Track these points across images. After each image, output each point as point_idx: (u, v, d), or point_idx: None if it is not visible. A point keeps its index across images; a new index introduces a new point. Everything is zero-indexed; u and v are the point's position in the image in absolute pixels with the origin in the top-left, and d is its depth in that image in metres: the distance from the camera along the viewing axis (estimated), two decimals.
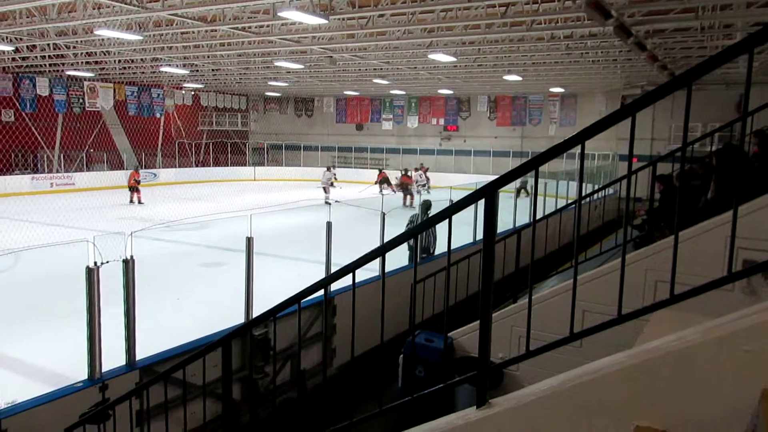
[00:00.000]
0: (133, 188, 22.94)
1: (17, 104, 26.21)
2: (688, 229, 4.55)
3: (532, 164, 2.33)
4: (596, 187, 14.89)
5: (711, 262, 3.31)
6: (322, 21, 12.40)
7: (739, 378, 1.80)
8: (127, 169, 30.61)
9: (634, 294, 4.20)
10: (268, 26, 15.06)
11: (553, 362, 2.79)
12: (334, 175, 25.50)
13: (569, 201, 13.20)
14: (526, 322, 2.45)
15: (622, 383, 1.97)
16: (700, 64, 1.97)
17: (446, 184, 16.98)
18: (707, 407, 1.86)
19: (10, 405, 4.48)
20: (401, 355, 6.25)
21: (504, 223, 10.58)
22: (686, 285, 2.12)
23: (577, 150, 2.28)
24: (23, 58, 21.18)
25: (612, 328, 2.20)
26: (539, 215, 10.40)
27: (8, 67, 23.90)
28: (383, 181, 26.93)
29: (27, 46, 18.40)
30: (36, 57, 20.66)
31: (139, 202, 22.65)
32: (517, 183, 18.18)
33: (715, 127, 9.65)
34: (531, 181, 17.28)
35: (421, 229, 2.56)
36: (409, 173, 25.36)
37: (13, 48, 18.05)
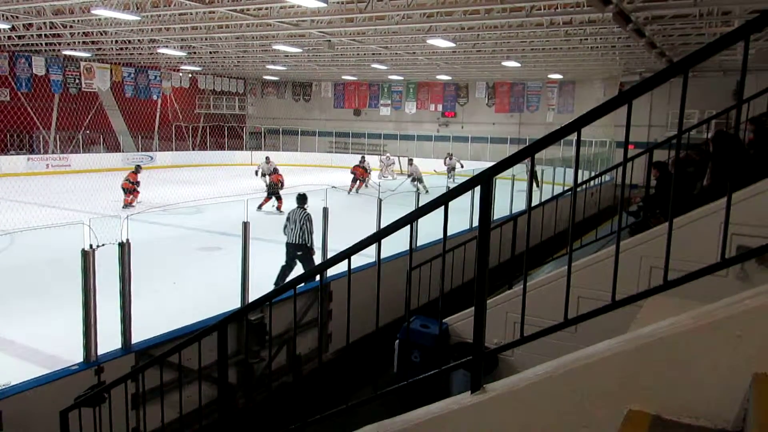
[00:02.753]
0: (130, 190, 18.64)
1: (13, 83, 25.99)
2: (683, 215, 4.57)
3: (529, 151, 2.34)
4: (593, 173, 14.92)
5: (705, 248, 3.33)
6: (321, 4, 12.31)
7: (732, 362, 1.82)
8: (124, 151, 30.50)
9: (628, 280, 4.22)
10: (266, 9, 14.93)
11: (548, 348, 2.81)
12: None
13: (566, 188, 13.21)
14: (521, 308, 2.46)
15: (616, 368, 1.99)
16: (697, 51, 1.97)
17: (442, 170, 16.96)
18: (700, 391, 1.88)
19: (4, 387, 4.50)
20: (397, 341, 6.29)
21: (500, 209, 10.58)
22: (681, 271, 2.13)
23: (574, 137, 2.28)
24: (19, 37, 20.97)
25: (606, 314, 2.22)
26: (536, 202, 10.44)
27: (4, 45, 23.65)
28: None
29: (23, 25, 18.21)
30: (32, 36, 20.45)
31: (131, 206, 18.34)
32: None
33: (712, 114, 9.65)
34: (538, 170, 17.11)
35: (418, 215, 2.56)
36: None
37: (9, 26, 17.89)
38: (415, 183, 22.32)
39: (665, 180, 7.24)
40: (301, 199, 9.33)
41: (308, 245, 8.99)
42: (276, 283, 8.57)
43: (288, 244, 9.08)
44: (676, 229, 2.26)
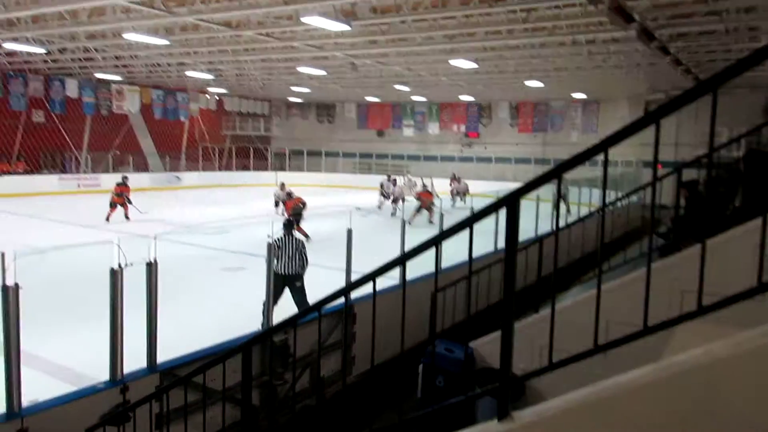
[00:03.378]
0: (118, 204, 18.36)
1: (47, 105, 26.74)
2: (715, 237, 4.46)
3: (556, 172, 2.30)
4: (619, 194, 14.71)
5: (740, 271, 3.22)
6: (345, 27, 12.45)
7: None
8: (152, 171, 31.06)
9: (660, 304, 4.10)
10: (291, 32, 15.18)
11: (577, 374, 2.73)
12: None
13: (591, 208, 13.01)
14: (548, 333, 2.41)
15: (649, 397, 1.92)
16: (726, 68, 1.91)
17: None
18: (737, 423, 1.80)
19: (32, 403, 4.54)
20: (421, 365, 6.21)
21: (524, 231, 10.46)
22: (714, 296, 2.06)
23: (600, 157, 2.24)
24: (54, 61, 21.64)
25: (638, 340, 2.16)
26: (562, 223, 10.32)
27: (40, 68, 24.42)
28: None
29: (58, 49, 18.79)
30: (66, 59, 21.12)
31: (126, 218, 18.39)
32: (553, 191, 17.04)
33: (742, 131, 9.46)
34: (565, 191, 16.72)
35: (443, 237, 2.53)
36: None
37: (44, 50, 18.44)
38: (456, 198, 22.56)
39: (695, 200, 7.10)
40: (289, 225, 8.90)
41: (302, 275, 8.41)
42: (263, 324, 7.33)
43: (278, 276, 8.00)
44: (708, 252, 2.20)
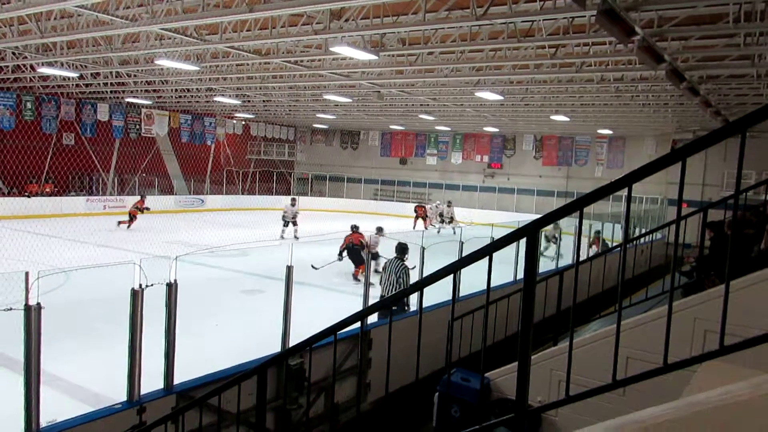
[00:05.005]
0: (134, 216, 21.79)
1: (78, 128, 27.41)
2: (740, 278, 4.39)
3: (577, 205, 2.31)
4: (643, 230, 14.53)
5: (763, 313, 3.17)
6: (373, 57, 12.65)
7: None
8: (176, 194, 31.57)
9: (681, 343, 4.04)
10: (319, 60, 15.45)
11: (594, 409, 2.70)
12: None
13: (614, 244, 12.88)
14: (566, 366, 2.39)
15: None
16: (755, 111, 1.93)
17: (488, 222, 16.84)
18: None
19: (50, 423, 4.57)
20: (436, 394, 6.14)
21: (544, 264, 10.39)
22: (737, 336, 2.03)
23: (624, 192, 2.25)
24: (87, 85, 22.26)
25: (657, 378, 2.13)
26: (583, 257, 10.20)
27: (72, 92, 25.13)
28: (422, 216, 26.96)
29: (91, 74, 19.33)
30: (99, 84, 21.68)
31: (126, 225, 21.59)
32: (547, 230, 16.53)
33: None
34: (556, 228, 16.32)
35: (461, 265, 2.54)
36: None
37: (78, 75, 18.98)
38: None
39: (720, 241, 7.00)
40: (401, 249, 8.89)
41: (403, 300, 8.36)
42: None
43: (383, 297, 8.17)
44: (732, 292, 2.17)
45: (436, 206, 27.78)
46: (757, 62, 12.01)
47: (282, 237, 20.46)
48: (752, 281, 4.35)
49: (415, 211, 27.26)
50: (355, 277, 13.77)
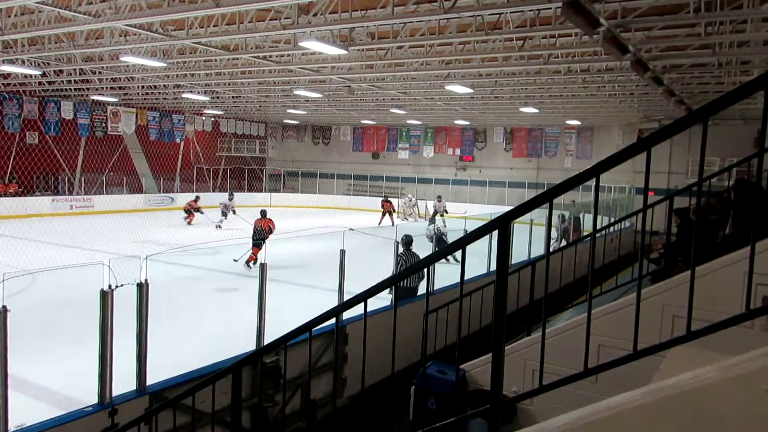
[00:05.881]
0: (189, 211, 24.91)
1: (42, 127, 26.75)
2: (705, 264, 4.49)
3: (547, 196, 2.33)
4: (612, 219, 14.78)
5: (729, 298, 3.25)
6: (342, 52, 12.60)
7: (759, 418, 1.75)
8: (146, 192, 31.13)
9: (650, 329, 4.13)
10: (288, 56, 15.33)
11: (568, 397, 2.73)
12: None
13: (584, 233, 13.06)
14: (539, 356, 2.42)
15: (639, 421, 1.92)
16: (717, 100, 1.98)
17: (460, 214, 16.96)
18: None
19: (19, 428, 4.48)
20: (413, 387, 6.17)
21: (518, 254, 10.50)
22: (704, 321, 2.08)
23: (593, 182, 2.28)
24: (50, 83, 21.72)
25: (628, 364, 2.17)
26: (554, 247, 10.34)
27: (35, 90, 24.50)
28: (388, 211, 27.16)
29: (54, 71, 18.87)
30: (62, 81, 21.18)
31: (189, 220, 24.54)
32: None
33: (733, 162, 9.58)
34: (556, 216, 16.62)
35: (437, 258, 2.55)
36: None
37: (40, 72, 18.52)
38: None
39: (686, 227, 7.15)
40: (408, 241, 9.11)
41: (416, 290, 8.68)
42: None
43: (399, 288, 8.47)
44: (698, 278, 2.22)
45: (409, 200, 27.84)
46: (717, 51, 12.29)
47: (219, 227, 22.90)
48: (718, 266, 4.46)
49: (382, 206, 27.38)
50: (248, 263, 14.50)
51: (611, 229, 13.00)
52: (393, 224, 24.71)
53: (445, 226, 22.12)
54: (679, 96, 18.08)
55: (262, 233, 14.90)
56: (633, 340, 2.20)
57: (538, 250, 11.93)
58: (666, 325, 4.50)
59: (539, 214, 12.96)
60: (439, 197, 27.81)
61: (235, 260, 14.66)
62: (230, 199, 24.49)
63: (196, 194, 26.64)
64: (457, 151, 34.23)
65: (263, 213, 16.10)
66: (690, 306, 2.15)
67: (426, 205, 28.36)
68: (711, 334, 2.03)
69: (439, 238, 13.46)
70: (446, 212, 26.36)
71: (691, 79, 16.41)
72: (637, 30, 11.25)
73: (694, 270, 2.22)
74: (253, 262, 14.32)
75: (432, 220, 21.66)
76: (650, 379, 2.53)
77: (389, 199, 28.20)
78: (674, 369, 2.37)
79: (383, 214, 26.96)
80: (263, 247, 6.60)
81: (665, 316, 4.55)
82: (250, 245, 14.65)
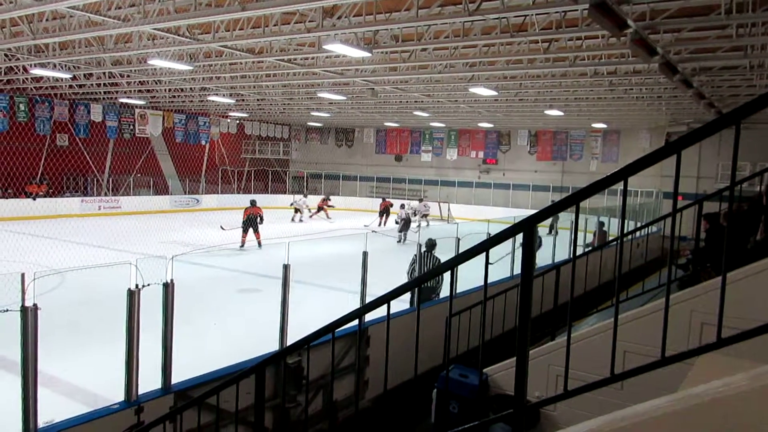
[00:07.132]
0: (321, 208, 28.44)
1: (72, 129, 27.31)
2: (736, 270, 4.40)
3: (573, 199, 2.31)
4: (638, 224, 14.56)
5: (760, 305, 3.18)
6: (366, 54, 12.62)
7: None
8: (172, 194, 31.58)
9: (678, 336, 4.06)
10: (312, 58, 15.42)
11: (592, 403, 2.70)
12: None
13: (610, 238, 12.88)
14: (564, 361, 2.39)
15: (666, 429, 1.89)
16: (749, 102, 1.93)
17: (484, 218, 16.88)
18: None
19: (48, 424, 4.56)
20: (435, 390, 6.15)
21: (542, 259, 10.40)
22: (734, 328, 2.04)
23: (620, 186, 2.24)
24: (80, 86, 22.17)
25: (655, 371, 2.13)
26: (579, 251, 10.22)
27: (65, 93, 25.02)
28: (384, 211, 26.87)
29: (84, 74, 19.24)
30: (92, 84, 21.60)
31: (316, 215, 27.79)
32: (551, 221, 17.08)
33: (765, 166, 9.39)
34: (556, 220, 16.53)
35: (460, 260, 2.54)
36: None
37: (71, 75, 18.90)
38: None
39: (716, 233, 7.02)
40: (431, 245, 9.20)
41: (438, 290, 8.75)
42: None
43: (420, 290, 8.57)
44: (729, 284, 2.18)
45: (424, 205, 27.46)
46: (749, 53, 12.04)
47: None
48: (749, 272, 4.36)
49: (381, 206, 27.14)
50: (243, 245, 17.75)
51: (638, 234, 12.82)
52: (383, 224, 25.33)
53: (428, 226, 22.19)
54: (708, 99, 17.73)
55: (251, 221, 17.75)
56: (661, 347, 2.16)
57: (562, 254, 11.81)
58: (694, 332, 4.42)
59: (565, 218, 12.82)
60: (421, 199, 27.77)
61: (222, 228, 18.83)
62: (305, 197, 28.03)
63: (324, 195, 30.48)
64: (481, 154, 34.03)
65: (253, 202, 18.52)
66: (720, 312, 2.11)
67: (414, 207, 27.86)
68: (741, 341, 1.98)
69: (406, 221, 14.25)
70: (426, 216, 26.30)
71: (722, 81, 16.09)
72: (666, 32, 11.07)
73: (725, 276, 2.17)
74: (240, 245, 17.61)
75: (405, 227, 20.94)
76: (676, 386, 2.48)
77: (386, 198, 28.30)
78: (703, 377, 2.33)
79: (381, 215, 26.68)
80: (287, 248, 6.63)
81: (693, 323, 4.46)
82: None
